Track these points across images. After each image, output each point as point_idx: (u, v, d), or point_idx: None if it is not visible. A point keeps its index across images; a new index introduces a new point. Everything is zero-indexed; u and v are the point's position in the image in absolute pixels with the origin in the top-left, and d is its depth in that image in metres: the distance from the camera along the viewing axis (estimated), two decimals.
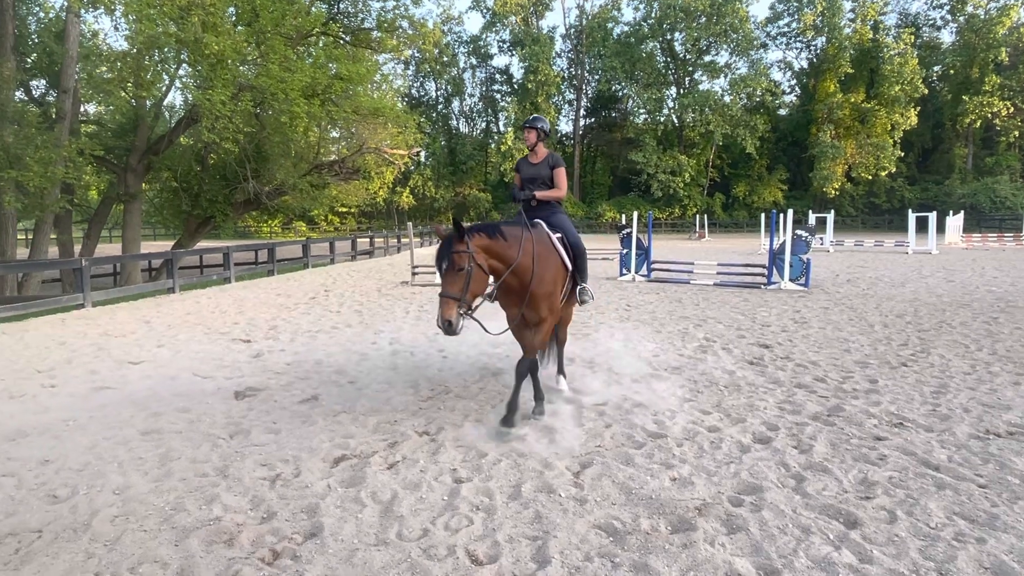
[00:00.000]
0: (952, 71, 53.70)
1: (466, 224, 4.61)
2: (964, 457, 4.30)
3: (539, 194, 5.46)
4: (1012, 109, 50.72)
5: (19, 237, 23.23)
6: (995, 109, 50.30)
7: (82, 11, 18.27)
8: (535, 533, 3.36)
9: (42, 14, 21.16)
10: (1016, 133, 51.90)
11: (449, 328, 4.37)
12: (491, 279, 4.82)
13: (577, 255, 5.32)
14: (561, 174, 5.58)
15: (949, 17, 55.18)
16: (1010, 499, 3.66)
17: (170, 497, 3.84)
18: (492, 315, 5.38)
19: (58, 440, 4.87)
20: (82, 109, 21.50)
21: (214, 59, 15.14)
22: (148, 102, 20.90)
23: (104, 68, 20.01)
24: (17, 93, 18.54)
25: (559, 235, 5.31)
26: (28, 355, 8.08)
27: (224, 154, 20.05)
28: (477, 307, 4.74)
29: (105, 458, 4.49)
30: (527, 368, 5.03)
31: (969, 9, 52.29)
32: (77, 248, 21.22)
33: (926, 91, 51.70)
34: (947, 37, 56.81)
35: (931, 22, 57.06)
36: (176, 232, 27.67)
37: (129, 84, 19.40)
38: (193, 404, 5.79)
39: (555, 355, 6.21)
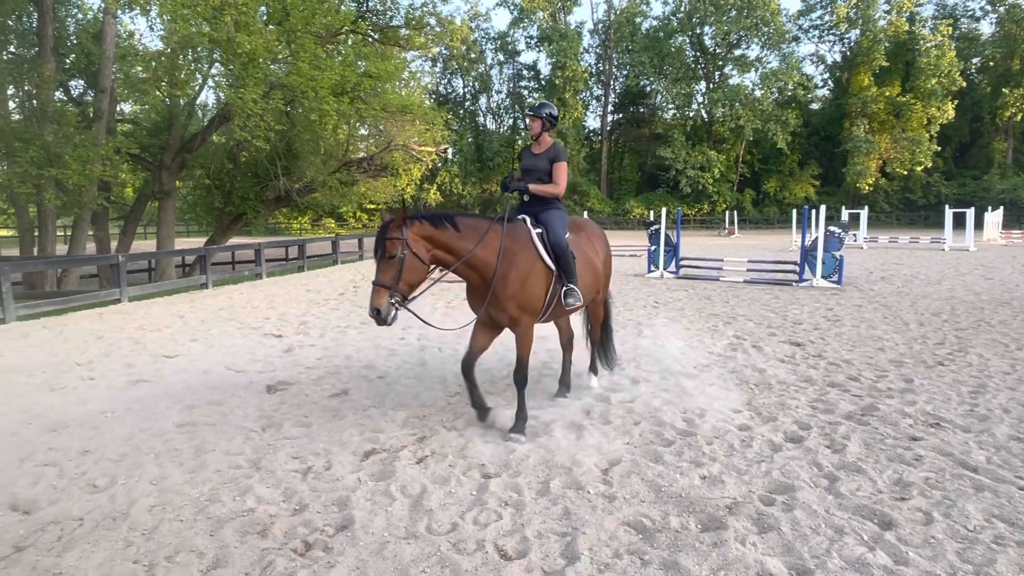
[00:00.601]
0: (992, 63, 52.08)
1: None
2: (1004, 459, 4.19)
3: (533, 188, 5.06)
4: None
5: (58, 233, 23.82)
6: None
7: (119, 12, 18.69)
8: (564, 529, 3.35)
9: (80, 15, 21.68)
10: None
11: (377, 317, 4.22)
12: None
13: (558, 254, 4.81)
14: (560, 169, 5.08)
15: (989, 7, 53.39)
16: None
17: (205, 488, 3.92)
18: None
19: (97, 431, 5.00)
20: (118, 108, 21.96)
21: (246, 58, 15.35)
22: (182, 101, 21.26)
23: (139, 68, 20.42)
24: (56, 93, 19.00)
25: (540, 231, 4.90)
26: (68, 348, 8.30)
27: (255, 152, 20.40)
28: (414, 298, 4.52)
29: (142, 449, 4.60)
30: (525, 376, 4.86)
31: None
32: (113, 244, 21.72)
33: (964, 84, 50.17)
34: (986, 28, 54.86)
35: (969, 13, 55.14)
36: (209, 229, 28.13)
37: (163, 83, 19.74)
38: (226, 397, 5.90)
39: (590, 352, 6.11)
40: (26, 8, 18.35)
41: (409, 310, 4.53)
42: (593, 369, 6.00)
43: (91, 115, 18.44)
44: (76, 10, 21.56)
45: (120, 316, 11.06)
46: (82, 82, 21.23)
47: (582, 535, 3.26)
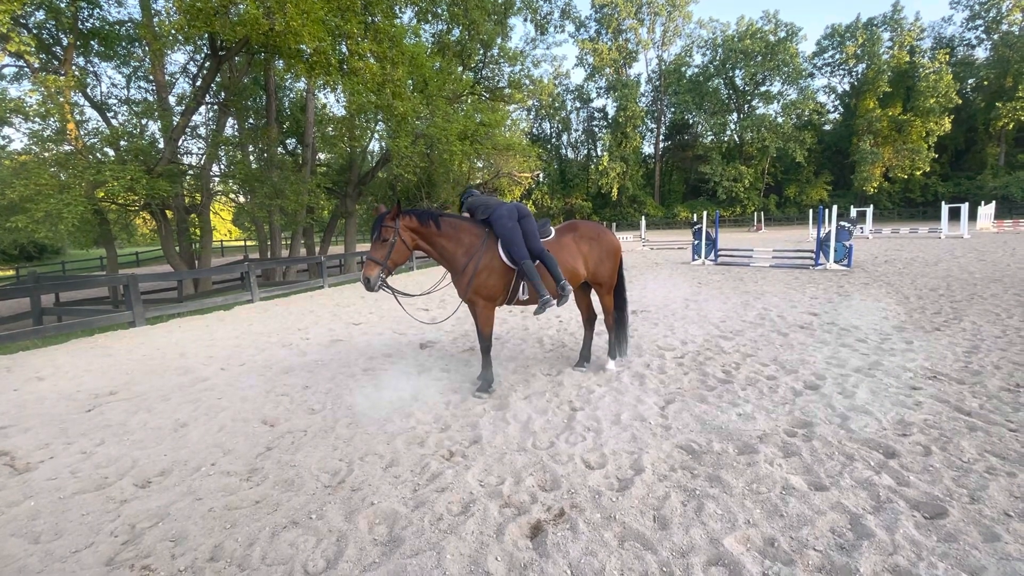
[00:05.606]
0: (986, 82, 45.39)
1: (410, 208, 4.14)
2: (995, 406, 3.72)
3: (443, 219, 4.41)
4: None
5: (282, 242, 25.73)
6: None
7: (316, 91, 19.82)
8: (632, 449, 3.31)
9: (292, 95, 23.09)
10: None
11: (367, 283, 3.98)
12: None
13: (515, 261, 4.26)
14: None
15: (984, 36, 46.54)
16: None
17: (382, 412, 4.14)
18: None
19: (311, 373, 5.39)
20: (317, 157, 23.23)
21: (400, 117, 15.79)
22: (358, 149, 22.29)
23: (330, 128, 21.57)
24: (278, 149, 20.40)
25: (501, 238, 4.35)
26: (292, 319, 8.98)
27: (407, 182, 21.12)
28: (392, 273, 4.14)
29: (341, 386, 4.91)
30: (485, 346, 4.50)
31: (1004, 27, 43.98)
32: (316, 249, 23.21)
33: (960, 101, 44.13)
34: (981, 53, 47.71)
35: (966, 42, 48.17)
36: None
37: (346, 138, 20.79)
38: (394, 352, 6.18)
39: (608, 338, 5.24)
40: (258, 93, 19.84)
41: (388, 285, 4.17)
42: (611, 353, 5.10)
43: (300, 162, 19.65)
44: (290, 91, 22.97)
45: (323, 297, 11.85)
46: (294, 140, 22.57)
47: (646, 454, 3.22)
